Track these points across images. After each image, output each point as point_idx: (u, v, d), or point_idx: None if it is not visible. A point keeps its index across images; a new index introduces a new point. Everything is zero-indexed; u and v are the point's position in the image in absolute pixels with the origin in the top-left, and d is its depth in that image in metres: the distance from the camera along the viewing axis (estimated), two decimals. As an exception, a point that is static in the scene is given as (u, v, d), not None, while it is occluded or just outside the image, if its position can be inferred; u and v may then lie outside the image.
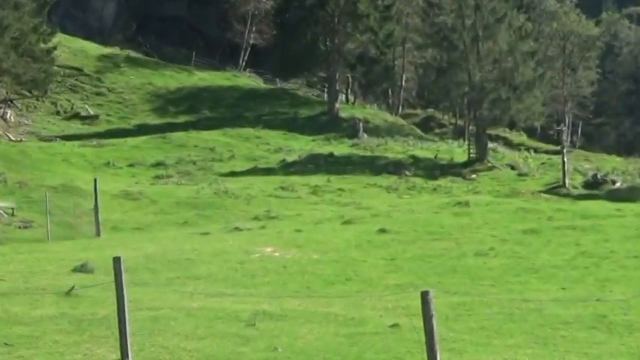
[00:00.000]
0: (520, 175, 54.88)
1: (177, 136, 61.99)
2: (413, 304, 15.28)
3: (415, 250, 24.90)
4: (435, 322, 8.88)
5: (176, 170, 52.76)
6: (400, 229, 28.63)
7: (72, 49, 79.08)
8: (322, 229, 29.72)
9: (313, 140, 66.73)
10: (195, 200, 41.75)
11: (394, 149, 62.87)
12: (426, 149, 63.97)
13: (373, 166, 55.90)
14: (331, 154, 58.78)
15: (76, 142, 59.21)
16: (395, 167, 55.25)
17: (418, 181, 51.20)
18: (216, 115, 73.52)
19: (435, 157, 59.88)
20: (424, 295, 8.99)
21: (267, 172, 52.64)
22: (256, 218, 35.45)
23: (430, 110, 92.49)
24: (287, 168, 54.35)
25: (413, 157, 59.62)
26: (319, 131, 70.05)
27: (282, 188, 45.51)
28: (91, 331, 13.30)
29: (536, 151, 70.63)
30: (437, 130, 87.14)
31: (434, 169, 55.83)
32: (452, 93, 63.37)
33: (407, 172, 53.59)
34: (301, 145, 63.72)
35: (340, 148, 62.68)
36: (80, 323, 13.74)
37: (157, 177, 50.69)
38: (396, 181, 50.68)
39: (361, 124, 70.62)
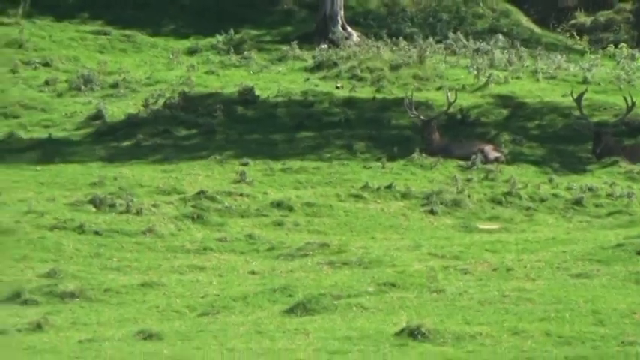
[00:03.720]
0: None
1: None
2: None
3: None
4: None
5: None
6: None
7: None
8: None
9: (206, 50, 29.99)
10: None
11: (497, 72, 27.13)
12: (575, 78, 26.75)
13: (381, 130, 24.18)
14: (248, 96, 25.40)
15: None
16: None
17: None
18: None
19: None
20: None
21: (46, 156, 23.03)
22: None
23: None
24: (103, 140, 24.11)
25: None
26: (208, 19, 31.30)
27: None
28: None
29: None
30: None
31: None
32: None
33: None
34: (156, 69, 28.42)
35: (285, 73, 27.80)
36: None
37: None
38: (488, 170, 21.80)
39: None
